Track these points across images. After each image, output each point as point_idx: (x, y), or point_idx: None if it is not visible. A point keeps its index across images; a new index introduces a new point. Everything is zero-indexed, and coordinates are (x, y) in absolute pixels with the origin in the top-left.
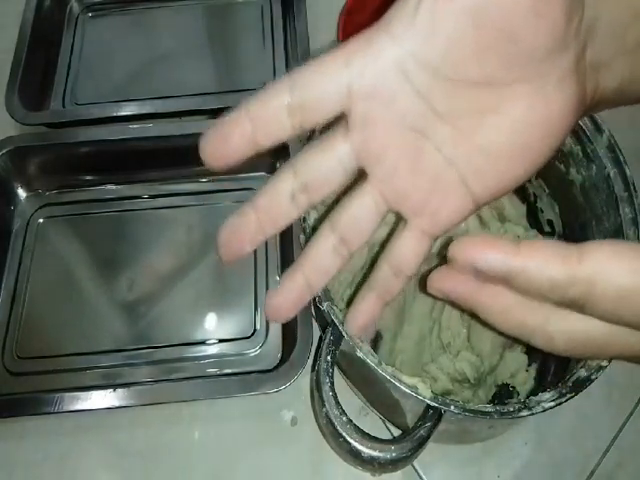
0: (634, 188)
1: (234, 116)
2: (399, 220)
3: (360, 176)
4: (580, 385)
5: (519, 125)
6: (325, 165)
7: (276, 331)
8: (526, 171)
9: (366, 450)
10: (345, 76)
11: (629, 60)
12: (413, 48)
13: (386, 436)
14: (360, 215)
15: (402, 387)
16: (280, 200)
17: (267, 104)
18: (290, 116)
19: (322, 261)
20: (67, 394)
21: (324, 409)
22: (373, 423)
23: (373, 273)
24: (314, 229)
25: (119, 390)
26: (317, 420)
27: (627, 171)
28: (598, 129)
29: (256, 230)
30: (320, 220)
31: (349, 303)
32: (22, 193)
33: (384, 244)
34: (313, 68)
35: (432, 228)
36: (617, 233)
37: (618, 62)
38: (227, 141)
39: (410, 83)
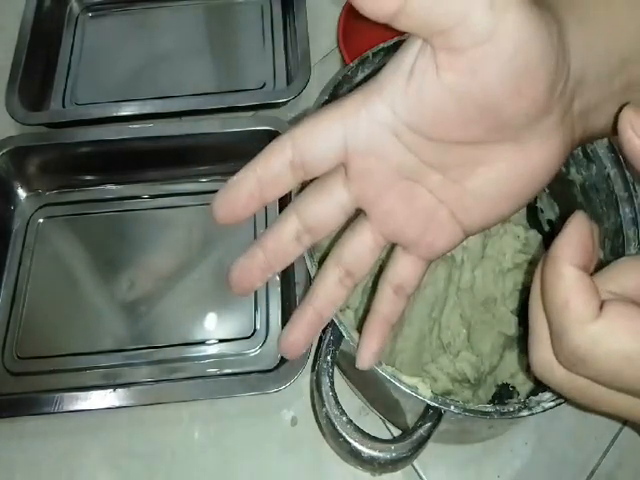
0: (634, 188)
1: (241, 177)
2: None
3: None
4: None
5: (504, 177)
6: (326, 208)
7: (276, 331)
8: (510, 211)
9: (366, 450)
10: (341, 136)
11: (617, 101)
12: (403, 114)
13: (386, 436)
14: (362, 250)
15: (402, 387)
16: (286, 241)
17: (271, 164)
18: (293, 173)
19: (330, 293)
20: (67, 394)
21: (324, 409)
22: (373, 423)
23: (375, 297)
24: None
25: (119, 390)
26: (317, 420)
27: (627, 171)
28: None
29: (265, 268)
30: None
31: (349, 305)
32: (22, 193)
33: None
34: (312, 127)
35: (428, 255)
36: (617, 233)
37: (607, 104)
38: (237, 202)
39: (402, 142)
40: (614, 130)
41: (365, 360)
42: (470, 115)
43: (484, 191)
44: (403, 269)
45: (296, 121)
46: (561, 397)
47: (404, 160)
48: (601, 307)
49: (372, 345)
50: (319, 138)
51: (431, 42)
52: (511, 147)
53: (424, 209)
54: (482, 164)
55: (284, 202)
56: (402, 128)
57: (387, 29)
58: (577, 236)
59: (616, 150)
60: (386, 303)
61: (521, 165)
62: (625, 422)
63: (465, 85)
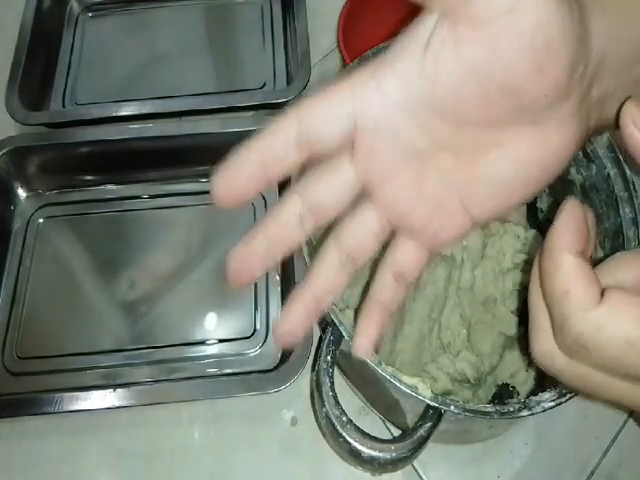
0: (634, 188)
1: (243, 155)
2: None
3: (364, 193)
4: None
5: (518, 162)
6: (330, 189)
7: None
8: (523, 199)
9: (366, 450)
10: (350, 110)
11: (633, 89)
12: (417, 89)
13: (386, 436)
14: (365, 234)
15: (402, 387)
16: (288, 224)
17: (275, 140)
18: (298, 150)
19: (329, 278)
20: (67, 394)
21: (324, 409)
22: (373, 423)
23: (374, 283)
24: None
25: (119, 390)
26: (317, 420)
27: (627, 171)
28: None
29: (265, 255)
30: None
31: (348, 305)
32: (22, 193)
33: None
34: (318, 101)
35: (432, 244)
36: (617, 233)
37: (623, 91)
38: (238, 182)
39: (414, 120)
40: (616, 124)
41: (362, 347)
42: (489, 94)
43: (497, 176)
44: (405, 256)
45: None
46: (562, 395)
47: (415, 139)
48: (602, 295)
49: (370, 332)
50: (327, 113)
51: (452, 13)
52: (529, 131)
53: (433, 195)
54: (497, 147)
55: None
56: (415, 104)
57: (387, 28)
58: (572, 223)
59: (616, 150)
60: (385, 290)
61: (538, 150)
62: (631, 413)
63: (485, 61)
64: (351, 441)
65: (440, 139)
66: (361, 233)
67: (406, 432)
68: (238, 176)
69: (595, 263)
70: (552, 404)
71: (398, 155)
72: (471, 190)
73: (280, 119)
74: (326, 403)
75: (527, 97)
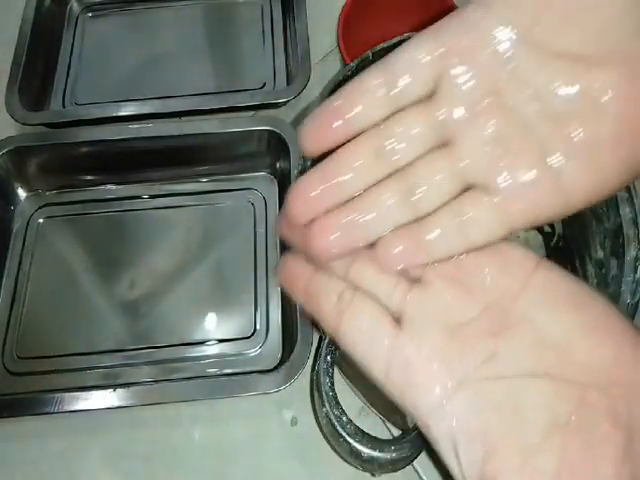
0: (634, 188)
1: (334, 102)
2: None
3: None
4: None
5: (616, 111)
6: (413, 127)
7: (276, 331)
8: (628, 174)
9: (366, 450)
10: (435, 42)
11: None
12: (501, 13)
13: (386, 436)
14: (437, 172)
15: None
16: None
17: (363, 82)
18: (387, 86)
19: (387, 210)
20: (67, 394)
21: (324, 409)
22: (373, 423)
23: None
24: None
25: (119, 390)
26: (317, 420)
27: None
28: None
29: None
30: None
31: None
32: (22, 193)
33: None
34: (404, 45)
35: (519, 214)
36: (617, 233)
37: None
38: (328, 127)
39: (499, 49)
40: None
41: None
42: (570, 10)
43: (594, 133)
44: (474, 210)
45: (297, 121)
46: None
47: (499, 69)
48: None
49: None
50: (410, 47)
51: None
52: (621, 71)
53: (520, 150)
54: (587, 95)
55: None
56: (500, 30)
57: (387, 28)
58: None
59: None
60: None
61: (631, 95)
62: None
63: None
64: (351, 441)
65: (523, 69)
66: (433, 174)
67: (406, 432)
68: (329, 122)
69: (595, 263)
70: None
71: (482, 89)
72: (567, 153)
73: (367, 71)
74: (326, 403)
75: (606, 14)
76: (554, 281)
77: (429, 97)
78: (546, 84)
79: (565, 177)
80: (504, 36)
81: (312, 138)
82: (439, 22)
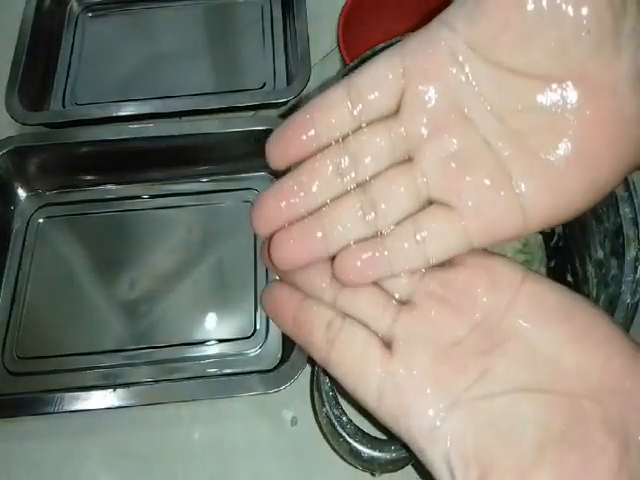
0: (634, 188)
1: (298, 117)
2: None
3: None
4: None
5: (578, 130)
6: (375, 142)
7: (276, 331)
8: (592, 195)
9: (366, 450)
10: (399, 59)
11: None
12: (463, 33)
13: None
14: (396, 190)
15: None
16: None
17: (328, 98)
18: (351, 102)
19: (346, 222)
20: (67, 394)
21: (324, 409)
22: (373, 423)
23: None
24: None
25: (119, 390)
26: (317, 420)
27: None
28: None
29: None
30: None
31: None
32: (22, 193)
33: None
34: (368, 63)
35: (477, 231)
36: (617, 233)
37: None
38: (292, 141)
39: (461, 67)
40: None
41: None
42: (530, 26)
43: (557, 156)
44: (433, 224)
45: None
46: None
47: (461, 87)
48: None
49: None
50: (376, 62)
51: None
52: (582, 88)
53: (483, 167)
54: (544, 111)
55: None
56: (462, 48)
57: (387, 28)
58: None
59: None
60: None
61: (591, 115)
62: None
63: None
64: (351, 441)
65: (483, 87)
66: (393, 189)
67: None
68: (293, 136)
69: (595, 263)
70: None
71: (445, 106)
72: (527, 172)
73: (332, 88)
74: (326, 403)
75: (568, 29)
76: (542, 293)
77: (393, 114)
78: (506, 103)
79: (524, 197)
80: (466, 55)
81: (277, 151)
82: (404, 40)
